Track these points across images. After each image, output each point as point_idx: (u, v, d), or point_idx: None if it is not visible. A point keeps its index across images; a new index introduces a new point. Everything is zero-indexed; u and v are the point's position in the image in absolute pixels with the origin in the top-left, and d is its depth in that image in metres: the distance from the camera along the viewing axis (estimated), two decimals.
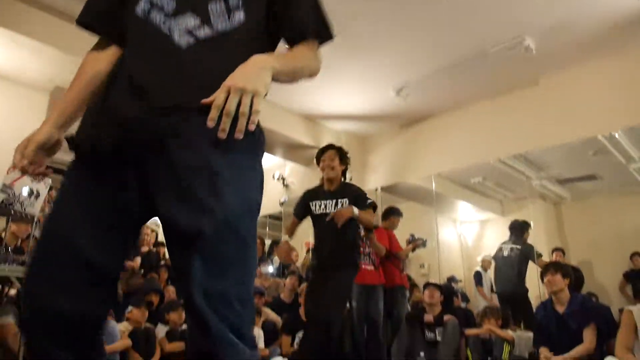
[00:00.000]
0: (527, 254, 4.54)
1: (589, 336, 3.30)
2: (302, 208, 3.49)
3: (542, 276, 3.67)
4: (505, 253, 4.59)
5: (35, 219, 2.99)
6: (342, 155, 3.47)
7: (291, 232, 3.66)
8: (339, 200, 3.34)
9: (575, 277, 3.66)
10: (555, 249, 5.27)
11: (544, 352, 3.47)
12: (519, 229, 4.81)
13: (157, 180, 0.99)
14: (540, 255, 4.55)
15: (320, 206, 3.43)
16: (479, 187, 6.11)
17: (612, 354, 3.06)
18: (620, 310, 3.76)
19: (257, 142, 1.07)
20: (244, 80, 0.91)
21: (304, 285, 4.81)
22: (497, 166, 5.36)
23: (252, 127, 0.91)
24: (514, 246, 4.59)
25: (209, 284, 0.92)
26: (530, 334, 3.81)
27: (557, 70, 4.67)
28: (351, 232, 3.29)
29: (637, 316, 3.07)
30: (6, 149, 3.66)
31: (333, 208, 3.30)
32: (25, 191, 2.76)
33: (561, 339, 3.40)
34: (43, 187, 2.88)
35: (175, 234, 0.98)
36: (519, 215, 5.89)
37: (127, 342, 3.45)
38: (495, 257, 4.72)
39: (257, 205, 1.06)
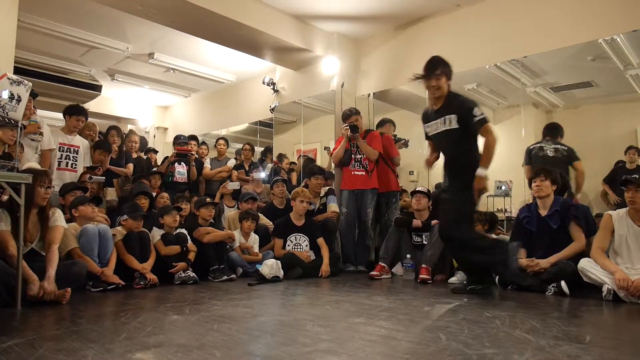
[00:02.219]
0: (571, 154, 4.51)
1: (577, 235, 3.46)
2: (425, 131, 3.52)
3: (530, 180, 3.74)
4: (550, 153, 4.54)
5: (20, 125, 2.91)
6: (448, 72, 3.34)
7: (431, 163, 3.62)
8: (445, 117, 3.30)
9: (561, 183, 3.74)
10: None
11: (521, 255, 3.65)
12: (554, 130, 4.73)
13: None
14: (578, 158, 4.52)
15: (431, 127, 3.43)
16: (472, 94, 6.01)
17: (588, 255, 3.24)
18: (598, 216, 3.92)
19: None
20: None
21: (297, 189, 4.90)
22: (492, 72, 5.24)
23: None
24: (559, 147, 4.54)
25: None
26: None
27: None
28: (465, 144, 3.31)
29: (616, 219, 3.20)
30: None
31: (442, 126, 3.31)
32: (5, 95, 2.65)
33: (540, 239, 3.57)
34: (24, 90, 2.76)
35: None
36: (511, 122, 5.89)
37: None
38: (533, 156, 4.63)
39: None
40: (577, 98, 5.48)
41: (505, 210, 5.86)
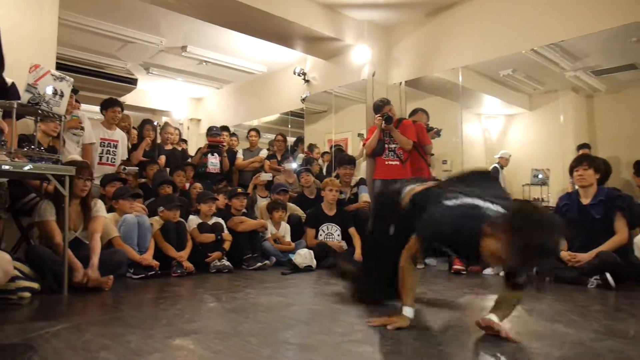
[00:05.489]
0: None
1: (620, 226, 3.32)
2: None
3: (571, 169, 3.60)
4: None
5: (63, 119, 3.02)
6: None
7: None
8: None
9: (604, 170, 3.60)
10: (582, 146, 5.16)
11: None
12: None
13: None
14: None
15: None
16: (507, 80, 5.85)
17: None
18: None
19: None
20: None
21: (327, 179, 4.91)
22: (529, 57, 5.06)
23: None
24: None
25: None
26: None
27: None
28: None
29: None
30: (25, 48, 3.60)
31: None
32: (49, 90, 2.75)
33: (580, 229, 3.44)
34: (66, 86, 2.86)
35: None
36: (548, 109, 5.71)
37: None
38: None
39: None
40: (620, 81, 5.25)
41: (542, 199, 5.70)
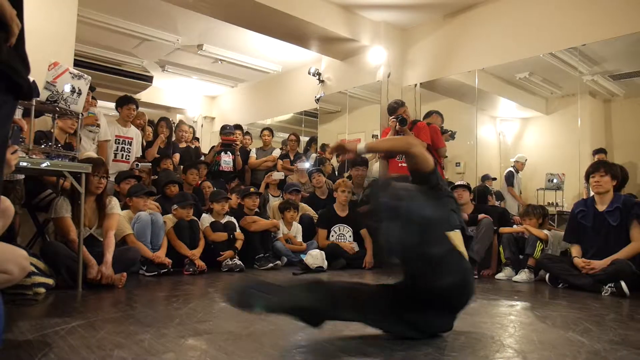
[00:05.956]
0: None
1: (636, 234, 3.26)
2: None
3: (587, 175, 3.55)
4: None
5: (80, 116, 3.06)
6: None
7: None
8: None
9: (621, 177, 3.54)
10: (598, 151, 5.08)
11: (575, 252, 3.50)
12: None
13: None
14: None
15: None
16: (524, 84, 5.78)
17: None
18: None
19: None
20: None
21: (339, 180, 4.90)
22: (547, 60, 5.00)
23: None
24: None
25: None
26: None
27: None
28: None
29: None
30: (44, 45, 3.65)
31: None
32: (67, 88, 2.79)
33: (595, 236, 3.40)
34: (84, 84, 2.90)
35: None
36: (565, 113, 5.63)
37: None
38: None
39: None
40: (639, 86, 5.16)
41: (557, 204, 5.63)
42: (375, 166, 5.82)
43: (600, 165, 3.48)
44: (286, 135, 6.87)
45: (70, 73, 2.84)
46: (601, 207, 3.43)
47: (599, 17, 4.40)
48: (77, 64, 5.31)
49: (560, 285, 3.45)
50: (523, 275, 3.77)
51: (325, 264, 4.12)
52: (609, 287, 3.10)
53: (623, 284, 3.02)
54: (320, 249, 4.36)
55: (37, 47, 3.68)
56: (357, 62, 6.24)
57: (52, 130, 3.06)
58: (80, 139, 3.78)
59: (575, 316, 2.38)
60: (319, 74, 6.81)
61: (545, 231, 4.01)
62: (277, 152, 6.15)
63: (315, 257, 4.07)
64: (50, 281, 2.73)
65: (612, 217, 3.34)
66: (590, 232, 3.45)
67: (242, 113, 8.98)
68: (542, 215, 4.14)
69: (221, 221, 4.22)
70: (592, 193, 3.60)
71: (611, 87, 5.28)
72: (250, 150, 6.21)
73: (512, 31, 5.05)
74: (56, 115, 3.00)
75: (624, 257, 3.17)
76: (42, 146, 2.87)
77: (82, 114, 3.16)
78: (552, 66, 5.09)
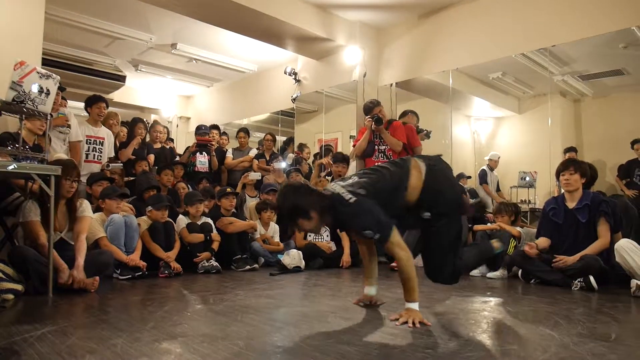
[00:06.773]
0: None
1: (603, 231, 3.36)
2: None
3: (557, 173, 3.64)
4: None
5: (49, 117, 2.98)
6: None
7: None
8: None
9: (590, 175, 3.64)
10: (568, 149, 5.23)
11: (541, 242, 3.58)
12: None
13: None
14: None
15: None
16: (497, 83, 5.91)
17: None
18: None
19: None
20: None
21: (315, 180, 4.91)
22: (519, 61, 5.11)
23: None
24: None
25: None
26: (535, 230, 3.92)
27: None
28: None
29: None
30: (9, 44, 3.54)
31: None
32: (35, 88, 2.71)
33: (566, 232, 3.50)
34: (52, 84, 2.82)
35: None
36: (536, 112, 5.77)
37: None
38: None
39: None
40: (607, 86, 5.33)
41: (529, 201, 5.76)
42: (352, 165, 5.84)
43: (570, 164, 3.57)
44: (263, 135, 6.84)
45: (38, 73, 2.76)
46: (571, 205, 3.53)
47: (569, 19, 4.51)
48: (46, 63, 5.17)
49: (532, 281, 3.53)
50: (496, 272, 3.85)
51: (302, 264, 4.12)
52: (578, 282, 3.19)
53: (592, 278, 3.12)
54: (298, 248, 4.36)
55: (2, 46, 3.59)
56: (333, 61, 6.26)
57: (19, 132, 2.97)
58: (50, 140, 3.68)
59: (546, 311, 2.44)
60: (295, 74, 6.80)
61: (518, 228, 4.09)
62: (253, 152, 6.11)
63: (292, 257, 4.07)
64: (19, 287, 2.67)
65: (582, 214, 3.43)
66: (562, 228, 3.54)
67: (218, 113, 8.90)
68: (515, 212, 4.22)
69: (197, 222, 4.18)
70: (562, 190, 3.70)
71: (580, 87, 5.44)
72: (227, 150, 6.16)
73: (485, 32, 5.14)
74: (23, 116, 2.91)
75: (592, 253, 3.27)
76: (9, 148, 2.78)
77: (51, 115, 3.08)
78: (523, 66, 5.21)
